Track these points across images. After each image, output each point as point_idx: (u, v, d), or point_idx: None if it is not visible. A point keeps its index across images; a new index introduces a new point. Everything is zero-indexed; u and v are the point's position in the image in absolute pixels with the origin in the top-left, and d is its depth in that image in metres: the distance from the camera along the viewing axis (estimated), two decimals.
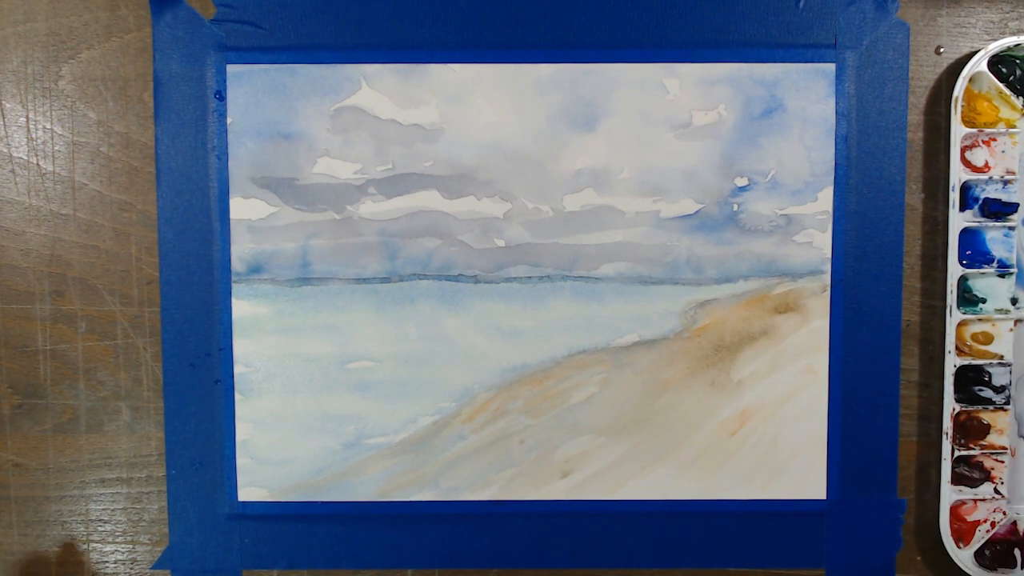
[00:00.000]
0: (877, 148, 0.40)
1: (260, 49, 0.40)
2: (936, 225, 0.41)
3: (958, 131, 0.39)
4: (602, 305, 0.41)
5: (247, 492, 0.41)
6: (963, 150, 0.40)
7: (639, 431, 0.41)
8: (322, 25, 0.40)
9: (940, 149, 0.41)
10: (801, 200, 0.40)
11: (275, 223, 0.40)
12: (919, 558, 0.42)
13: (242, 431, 0.41)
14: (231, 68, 0.40)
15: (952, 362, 0.40)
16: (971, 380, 0.40)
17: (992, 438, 0.40)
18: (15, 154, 0.41)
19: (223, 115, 0.40)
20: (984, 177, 0.40)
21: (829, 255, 0.40)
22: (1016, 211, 0.40)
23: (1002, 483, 0.40)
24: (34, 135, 0.41)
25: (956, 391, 0.40)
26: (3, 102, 0.41)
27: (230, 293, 0.40)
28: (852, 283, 0.41)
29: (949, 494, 0.40)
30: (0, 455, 0.42)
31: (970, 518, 0.41)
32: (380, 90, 0.40)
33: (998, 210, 0.40)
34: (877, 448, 0.41)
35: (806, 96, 0.40)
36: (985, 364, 0.40)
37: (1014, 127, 0.39)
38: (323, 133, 0.40)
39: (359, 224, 0.40)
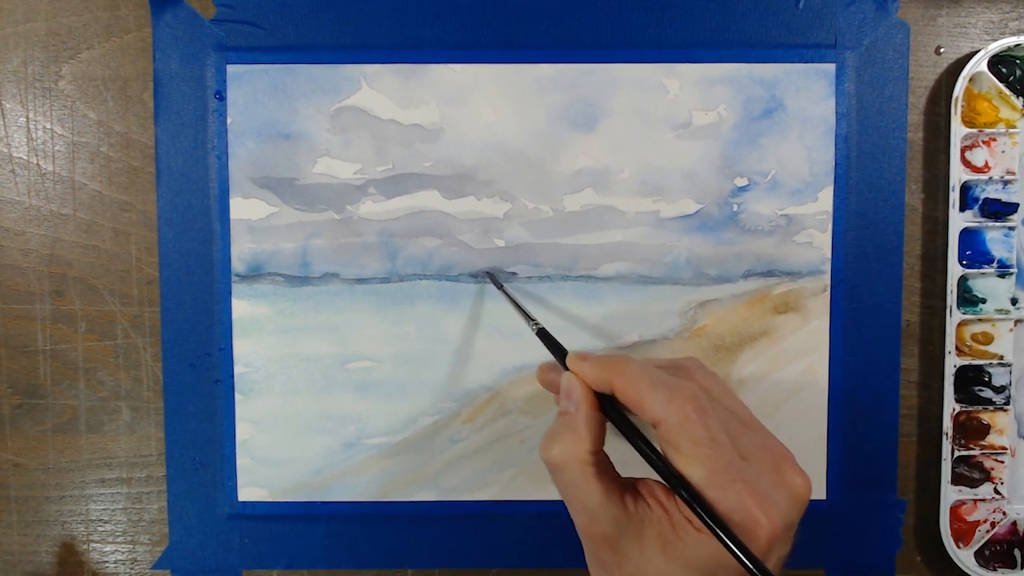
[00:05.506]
0: (877, 148, 0.40)
1: (260, 49, 0.40)
2: (936, 225, 0.41)
3: (958, 131, 0.39)
4: (602, 305, 0.41)
5: (247, 492, 0.41)
6: (963, 150, 0.40)
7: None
8: (322, 25, 0.40)
9: (940, 149, 0.41)
10: (801, 200, 0.40)
11: (275, 223, 0.40)
12: (919, 558, 0.42)
13: (242, 431, 0.41)
14: (231, 68, 0.40)
15: (952, 362, 0.40)
16: (971, 380, 0.40)
17: (992, 438, 0.40)
18: (15, 154, 0.41)
19: (223, 115, 0.40)
20: (984, 177, 0.40)
21: (829, 255, 0.40)
22: (1016, 211, 0.40)
23: (1002, 483, 0.40)
24: (34, 135, 0.41)
25: (956, 391, 0.40)
26: (3, 102, 0.41)
27: (230, 293, 0.40)
28: (852, 283, 0.41)
29: (949, 494, 0.40)
30: (0, 455, 0.42)
31: (970, 518, 0.41)
32: (380, 90, 0.40)
33: (998, 210, 0.40)
34: (877, 448, 0.41)
35: (806, 96, 0.40)
36: (985, 364, 0.40)
37: (1014, 127, 0.39)
38: (323, 133, 0.40)
39: (359, 224, 0.40)
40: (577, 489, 0.28)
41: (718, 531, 0.25)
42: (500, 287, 0.39)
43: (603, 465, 0.29)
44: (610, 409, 0.29)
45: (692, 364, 0.31)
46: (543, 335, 0.34)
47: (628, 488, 0.29)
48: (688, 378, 0.29)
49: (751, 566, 0.24)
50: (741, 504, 0.25)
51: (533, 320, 0.35)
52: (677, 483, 0.26)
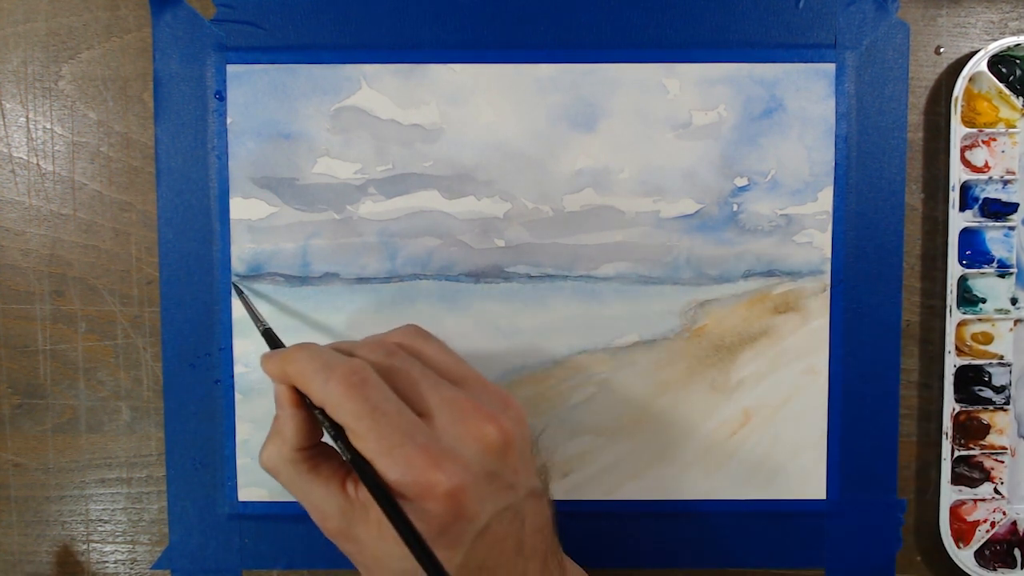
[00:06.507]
0: (877, 148, 0.40)
1: (260, 49, 0.40)
2: (936, 225, 0.41)
3: (958, 131, 0.39)
4: (602, 305, 0.41)
5: (247, 492, 0.41)
6: (963, 150, 0.40)
7: (639, 431, 0.41)
8: (322, 25, 0.40)
9: (940, 149, 0.41)
10: (801, 200, 0.40)
11: (275, 223, 0.40)
12: (919, 558, 0.42)
13: (242, 431, 0.41)
14: (231, 68, 0.40)
15: (952, 362, 0.40)
16: (971, 380, 0.40)
17: (992, 438, 0.40)
18: (15, 154, 0.41)
19: (223, 115, 0.40)
20: (984, 177, 0.40)
21: (829, 255, 0.40)
22: (1016, 211, 0.40)
23: (1002, 483, 0.40)
24: (34, 135, 0.41)
25: (956, 391, 0.40)
26: (3, 102, 0.41)
27: (230, 293, 0.40)
28: (852, 283, 0.41)
29: (949, 494, 0.40)
30: (0, 455, 0.42)
31: (970, 518, 0.41)
32: (380, 90, 0.40)
33: (998, 210, 0.40)
34: (877, 448, 0.41)
35: (806, 96, 0.40)
36: (985, 364, 0.40)
37: (1014, 127, 0.39)
38: (323, 133, 0.40)
39: (359, 224, 0.40)
40: (297, 489, 0.28)
41: (383, 502, 0.25)
42: (240, 294, 0.39)
43: (318, 459, 0.28)
44: (311, 402, 0.28)
45: (399, 333, 0.30)
46: (268, 335, 0.34)
47: (351, 474, 0.28)
48: (376, 348, 0.28)
49: (420, 550, 0.24)
50: (411, 468, 0.25)
51: (261, 321, 0.35)
52: (353, 463, 0.25)
